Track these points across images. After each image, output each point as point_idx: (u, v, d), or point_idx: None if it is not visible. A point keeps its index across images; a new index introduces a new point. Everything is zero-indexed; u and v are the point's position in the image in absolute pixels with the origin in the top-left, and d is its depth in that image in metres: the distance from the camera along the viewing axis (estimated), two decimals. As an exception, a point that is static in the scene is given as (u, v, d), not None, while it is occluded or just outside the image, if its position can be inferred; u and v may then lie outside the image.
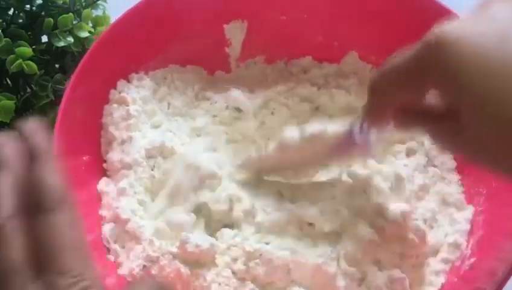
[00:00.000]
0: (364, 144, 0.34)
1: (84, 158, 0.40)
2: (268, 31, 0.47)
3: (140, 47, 0.44)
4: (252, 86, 0.47)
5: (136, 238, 0.38)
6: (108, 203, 0.39)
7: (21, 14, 0.45)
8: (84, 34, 0.43)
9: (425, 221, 0.39)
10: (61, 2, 0.44)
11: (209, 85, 0.47)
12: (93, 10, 0.46)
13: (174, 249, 0.37)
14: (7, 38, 0.40)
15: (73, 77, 0.39)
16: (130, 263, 0.37)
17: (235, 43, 0.47)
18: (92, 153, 0.41)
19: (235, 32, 0.47)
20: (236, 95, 0.45)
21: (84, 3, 0.45)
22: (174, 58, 0.46)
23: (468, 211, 0.40)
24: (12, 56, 0.40)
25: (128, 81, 0.44)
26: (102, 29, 0.45)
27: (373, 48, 0.46)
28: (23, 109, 0.44)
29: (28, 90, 0.43)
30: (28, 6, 0.44)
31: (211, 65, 0.48)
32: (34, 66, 0.41)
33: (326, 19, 0.46)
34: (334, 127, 0.36)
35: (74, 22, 0.43)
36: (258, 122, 0.45)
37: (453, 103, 0.25)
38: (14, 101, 0.40)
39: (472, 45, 0.23)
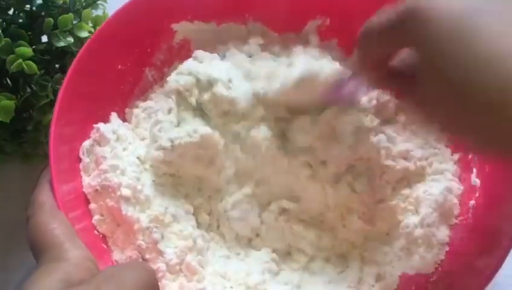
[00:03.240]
0: (351, 93, 0.39)
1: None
2: (348, 36, 0.47)
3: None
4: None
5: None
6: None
7: (21, 14, 0.45)
8: (84, 34, 0.43)
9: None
10: (61, 2, 0.44)
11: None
12: (93, 10, 0.45)
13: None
14: (7, 38, 0.40)
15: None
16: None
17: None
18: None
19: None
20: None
21: (84, 3, 0.45)
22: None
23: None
24: (12, 56, 0.40)
25: None
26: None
27: None
28: (23, 109, 0.44)
29: (28, 90, 0.43)
30: (28, 6, 0.44)
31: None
32: (34, 66, 0.41)
33: None
34: (325, 74, 0.40)
35: (74, 22, 0.43)
36: None
37: (420, 63, 0.29)
38: (14, 101, 0.40)
39: (441, 17, 0.26)
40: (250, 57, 0.46)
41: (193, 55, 0.44)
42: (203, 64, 0.43)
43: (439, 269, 0.40)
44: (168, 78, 0.43)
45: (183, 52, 0.48)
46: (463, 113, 0.27)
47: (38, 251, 0.33)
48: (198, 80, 0.42)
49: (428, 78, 0.28)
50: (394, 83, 0.35)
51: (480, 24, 0.25)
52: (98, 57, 0.41)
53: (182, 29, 0.47)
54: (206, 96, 0.42)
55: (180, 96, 0.42)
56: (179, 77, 0.42)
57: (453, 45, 0.26)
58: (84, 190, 0.40)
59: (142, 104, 0.46)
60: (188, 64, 0.43)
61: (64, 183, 0.38)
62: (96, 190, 0.39)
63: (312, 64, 0.41)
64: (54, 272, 0.30)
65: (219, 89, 0.41)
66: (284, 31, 0.49)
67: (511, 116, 0.24)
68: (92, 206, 0.40)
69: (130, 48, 0.45)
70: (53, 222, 0.34)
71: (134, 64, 0.46)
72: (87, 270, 0.31)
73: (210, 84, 0.42)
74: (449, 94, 0.27)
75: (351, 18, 0.47)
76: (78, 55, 0.40)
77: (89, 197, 0.40)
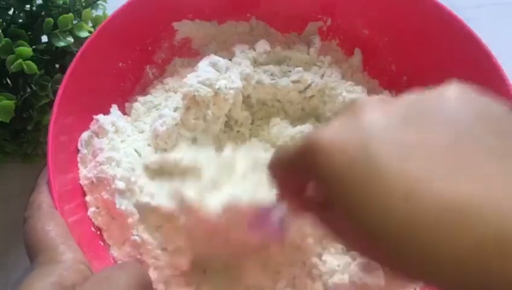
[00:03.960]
0: (279, 225, 0.35)
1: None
2: (348, 37, 0.48)
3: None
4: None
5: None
6: None
7: (21, 14, 0.45)
8: (84, 34, 0.43)
9: None
10: (61, 2, 0.44)
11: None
12: (93, 10, 0.45)
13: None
14: (7, 38, 0.40)
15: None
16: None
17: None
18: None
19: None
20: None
21: (84, 3, 0.45)
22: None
23: None
24: (12, 56, 0.40)
25: None
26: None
27: None
28: (23, 109, 0.44)
29: (28, 90, 0.43)
30: (28, 6, 0.44)
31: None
32: (34, 66, 0.40)
33: (404, 51, 0.46)
34: (246, 199, 0.36)
35: (74, 22, 0.43)
36: None
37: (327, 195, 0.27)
38: (14, 101, 0.40)
39: (338, 152, 0.24)
40: (255, 62, 0.47)
41: (209, 60, 0.44)
42: (221, 77, 0.43)
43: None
44: (185, 80, 0.42)
45: (185, 50, 0.49)
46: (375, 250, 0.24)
47: (33, 252, 0.33)
48: (216, 94, 0.42)
49: (337, 210, 0.26)
50: (309, 209, 0.31)
51: (379, 160, 0.23)
52: (99, 55, 0.41)
53: (183, 27, 0.47)
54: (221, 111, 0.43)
55: (193, 101, 0.42)
56: (199, 86, 0.42)
57: (354, 184, 0.23)
58: (80, 181, 0.40)
59: (141, 98, 0.46)
60: (207, 73, 0.43)
61: (62, 173, 0.37)
62: (92, 182, 0.39)
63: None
64: (47, 275, 0.30)
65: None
66: (287, 30, 0.49)
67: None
68: (88, 198, 0.39)
69: (131, 46, 0.45)
70: (49, 223, 0.34)
71: (135, 62, 0.46)
72: (81, 273, 0.31)
73: (226, 100, 0.42)
74: (356, 231, 0.24)
75: (352, 18, 0.47)
76: (79, 52, 0.40)
77: (85, 189, 0.40)
